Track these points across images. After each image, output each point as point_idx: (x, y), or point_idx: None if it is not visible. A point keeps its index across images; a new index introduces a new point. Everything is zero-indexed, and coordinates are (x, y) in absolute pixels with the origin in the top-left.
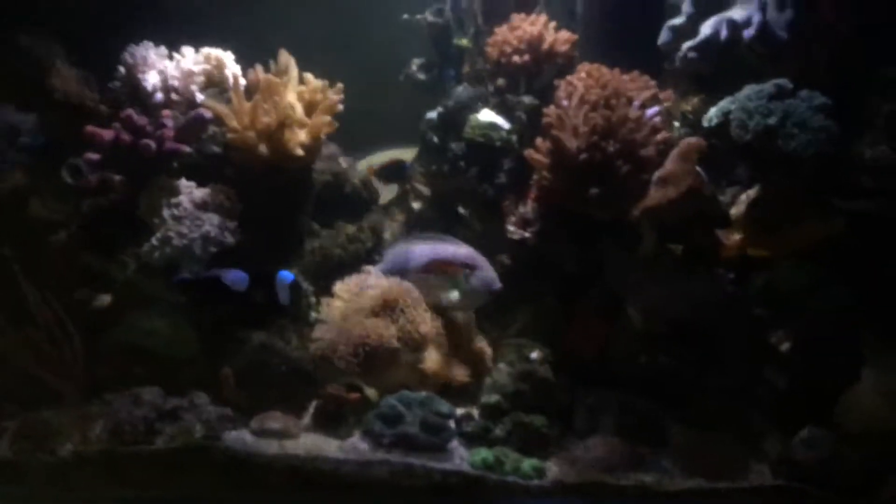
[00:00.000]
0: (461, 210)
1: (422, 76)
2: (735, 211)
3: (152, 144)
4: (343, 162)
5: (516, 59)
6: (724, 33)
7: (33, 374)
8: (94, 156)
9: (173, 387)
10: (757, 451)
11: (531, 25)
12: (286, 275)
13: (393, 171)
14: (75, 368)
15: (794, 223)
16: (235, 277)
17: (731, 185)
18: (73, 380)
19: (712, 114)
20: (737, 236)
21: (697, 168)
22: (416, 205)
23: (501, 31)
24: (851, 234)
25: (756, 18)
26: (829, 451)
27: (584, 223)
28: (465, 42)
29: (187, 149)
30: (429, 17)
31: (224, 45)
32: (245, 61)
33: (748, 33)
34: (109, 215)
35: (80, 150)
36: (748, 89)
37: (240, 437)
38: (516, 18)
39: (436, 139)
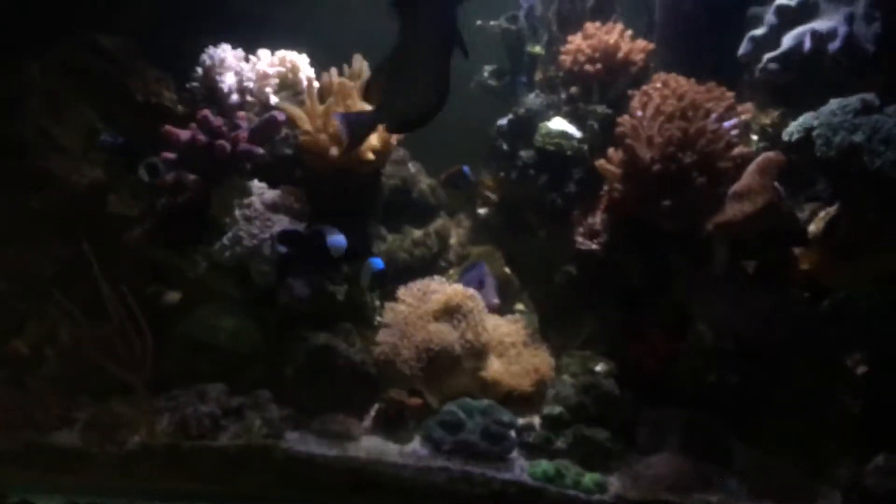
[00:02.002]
0: (528, 218)
1: (493, 83)
2: (813, 228)
3: (227, 145)
4: (411, 167)
5: (589, 67)
6: (807, 45)
7: (105, 367)
8: (170, 155)
9: (237, 383)
10: (827, 475)
11: (606, 34)
12: (377, 262)
13: (457, 178)
14: (145, 363)
15: (871, 251)
16: (335, 242)
17: (809, 202)
18: (142, 374)
19: (793, 128)
20: (813, 256)
21: (775, 183)
22: (482, 211)
23: (575, 40)
24: None
25: (842, 30)
26: None
27: (653, 236)
28: (537, 49)
29: (260, 150)
30: (503, 23)
31: (299, 49)
32: (318, 66)
33: (833, 46)
34: (183, 214)
35: (158, 149)
36: (832, 104)
37: (302, 437)
38: (591, 27)
39: (505, 146)
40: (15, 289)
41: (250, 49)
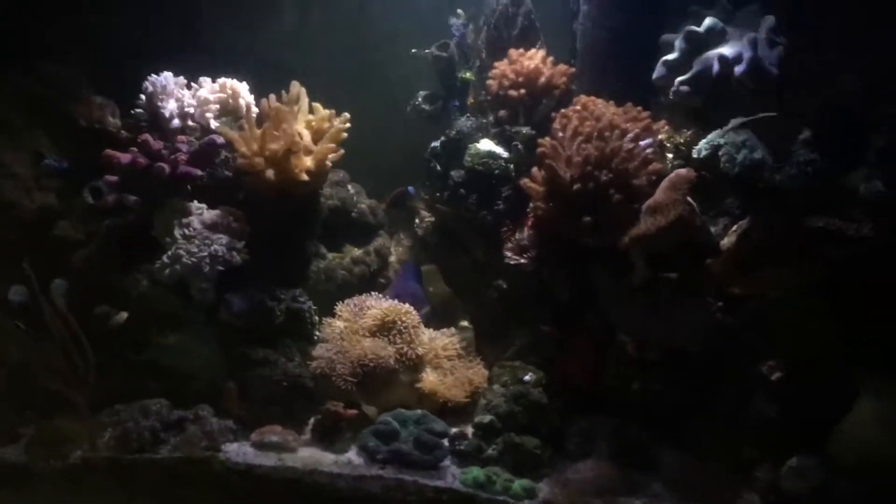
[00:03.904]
0: (462, 236)
1: (427, 107)
2: (727, 241)
3: (166, 167)
4: (351, 188)
5: (513, 92)
6: (715, 68)
7: (49, 384)
8: (112, 178)
9: (182, 399)
10: (747, 478)
11: (528, 60)
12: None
13: (400, 198)
14: (87, 380)
15: (772, 265)
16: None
17: (722, 216)
18: (84, 391)
19: (701, 146)
20: (725, 267)
21: (688, 198)
22: (419, 231)
23: (501, 66)
24: (841, 268)
25: (747, 55)
26: (819, 480)
27: (577, 251)
28: (468, 75)
29: (199, 172)
30: (434, 51)
31: (243, 76)
32: (262, 92)
33: (739, 69)
34: (127, 235)
35: (103, 172)
36: (735, 122)
37: (240, 449)
38: (514, 53)
39: (439, 167)
40: None
41: (202, 75)
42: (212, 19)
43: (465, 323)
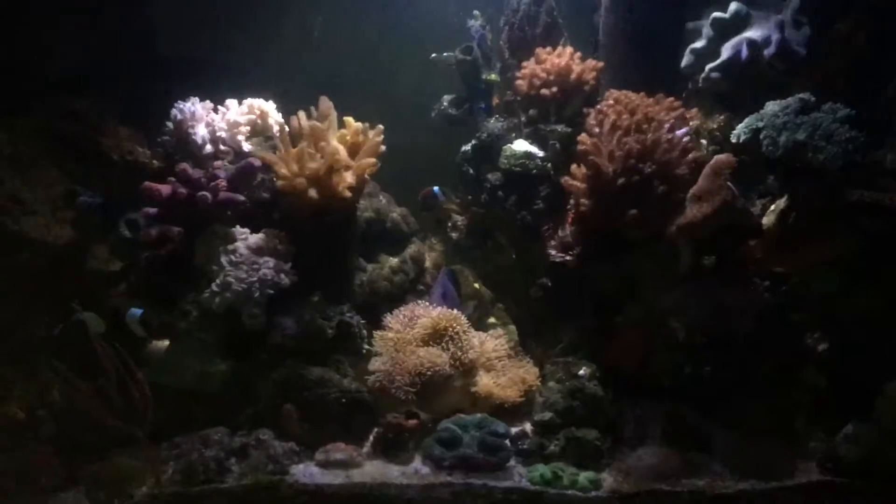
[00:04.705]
0: (497, 237)
1: (453, 111)
2: (766, 221)
3: (209, 195)
4: (382, 198)
5: (545, 91)
6: (744, 53)
7: (104, 421)
8: (151, 210)
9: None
10: (801, 449)
11: (558, 57)
12: (135, 311)
13: (427, 199)
14: (145, 413)
15: (817, 240)
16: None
17: (761, 197)
18: (142, 424)
19: (740, 130)
20: (767, 247)
21: (729, 183)
22: (453, 234)
23: (529, 65)
24: (879, 239)
25: (775, 37)
26: (872, 445)
27: (620, 243)
28: (493, 76)
29: (241, 197)
30: (458, 55)
31: (259, 92)
32: (283, 107)
33: (768, 51)
34: (166, 265)
35: (136, 205)
36: (773, 105)
37: (306, 469)
38: (542, 52)
39: (471, 170)
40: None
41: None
42: (226, 39)
43: (493, 320)
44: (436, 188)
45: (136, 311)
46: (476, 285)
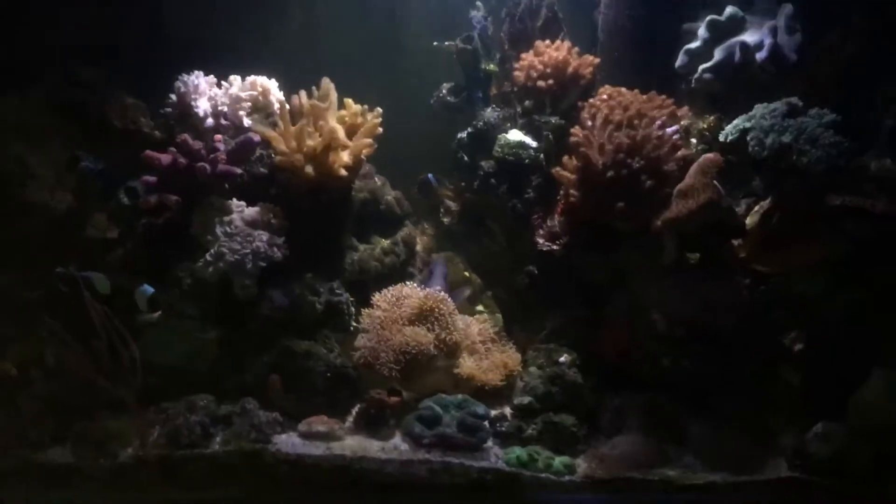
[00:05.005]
0: (489, 224)
1: (451, 99)
2: (750, 221)
3: (207, 167)
4: (377, 180)
5: (542, 83)
6: (737, 56)
7: (95, 382)
8: (151, 178)
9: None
10: (773, 445)
11: (556, 51)
12: (146, 288)
13: (422, 187)
14: (134, 376)
15: (798, 242)
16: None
17: (746, 197)
18: (132, 387)
19: (728, 131)
20: (750, 246)
21: (715, 181)
22: (445, 220)
23: (528, 57)
24: (860, 244)
25: (767, 42)
26: (841, 444)
27: (608, 235)
28: (492, 66)
29: (239, 170)
30: (458, 43)
31: (262, 72)
32: (284, 88)
33: (761, 55)
34: (163, 234)
35: (136, 173)
36: (761, 108)
37: (289, 440)
38: (541, 44)
39: (466, 157)
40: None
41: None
42: (230, 17)
43: (480, 307)
44: (430, 175)
45: (148, 289)
46: (466, 273)
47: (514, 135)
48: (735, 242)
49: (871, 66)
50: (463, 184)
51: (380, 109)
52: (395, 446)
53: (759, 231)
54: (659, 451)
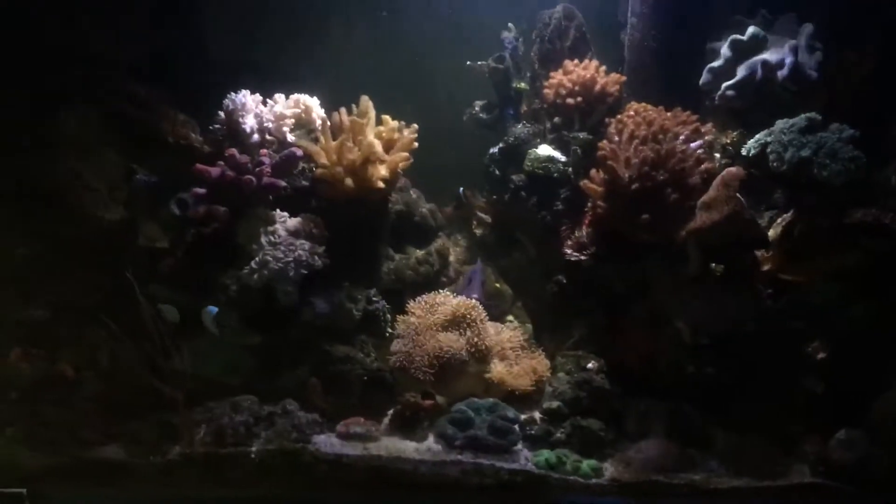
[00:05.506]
0: (519, 235)
1: (484, 115)
2: (772, 233)
3: (254, 179)
4: (413, 193)
5: (570, 100)
6: (759, 74)
7: (149, 383)
8: (201, 190)
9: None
10: (796, 452)
11: (583, 70)
12: (212, 309)
13: (458, 200)
14: (184, 378)
15: (819, 254)
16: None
17: (768, 210)
18: (182, 388)
19: (750, 145)
20: (773, 258)
21: (738, 194)
22: (478, 231)
23: (557, 76)
24: (880, 255)
25: (788, 60)
26: (864, 451)
27: (633, 246)
28: (523, 85)
29: (283, 183)
30: (491, 63)
31: (301, 92)
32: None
33: (782, 74)
34: (211, 243)
35: (187, 187)
36: (781, 123)
37: (328, 440)
38: (569, 64)
39: (497, 171)
40: (56, 317)
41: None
42: (275, 41)
43: (510, 318)
44: (460, 189)
45: (213, 309)
46: (497, 285)
47: (544, 150)
48: (759, 253)
49: (890, 82)
50: (494, 197)
51: (416, 126)
52: (429, 447)
53: (782, 243)
54: (684, 456)
